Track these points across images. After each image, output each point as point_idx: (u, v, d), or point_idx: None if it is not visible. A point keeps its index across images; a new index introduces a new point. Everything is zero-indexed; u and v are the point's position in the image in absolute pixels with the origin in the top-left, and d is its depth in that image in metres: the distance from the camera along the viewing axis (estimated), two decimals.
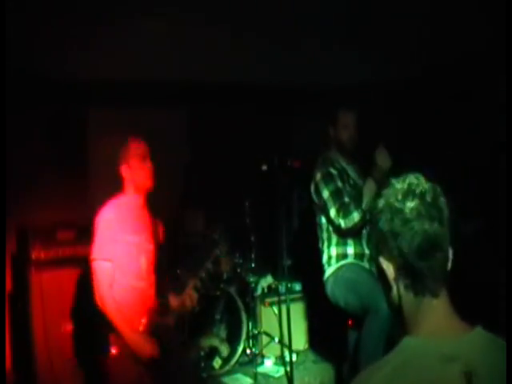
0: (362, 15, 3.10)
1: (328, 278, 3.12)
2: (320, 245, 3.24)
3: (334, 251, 3.13)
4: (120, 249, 2.53)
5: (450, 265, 1.14)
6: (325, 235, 3.19)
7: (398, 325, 2.75)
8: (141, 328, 2.55)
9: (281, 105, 5.07)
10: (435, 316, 1.10)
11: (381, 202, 1.15)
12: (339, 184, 3.06)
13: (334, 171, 3.11)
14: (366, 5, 2.93)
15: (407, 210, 1.10)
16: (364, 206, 2.92)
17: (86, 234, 3.64)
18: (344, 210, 2.96)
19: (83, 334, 3.40)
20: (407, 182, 1.14)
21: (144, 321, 2.58)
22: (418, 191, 1.11)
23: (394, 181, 1.17)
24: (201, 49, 3.74)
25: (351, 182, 3.17)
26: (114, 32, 3.27)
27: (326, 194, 3.06)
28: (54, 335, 3.38)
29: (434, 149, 4.00)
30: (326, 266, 3.17)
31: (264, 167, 3.89)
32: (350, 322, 3.19)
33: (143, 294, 2.61)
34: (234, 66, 4.17)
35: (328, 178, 3.08)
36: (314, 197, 3.18)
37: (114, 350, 2.45)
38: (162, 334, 2.58)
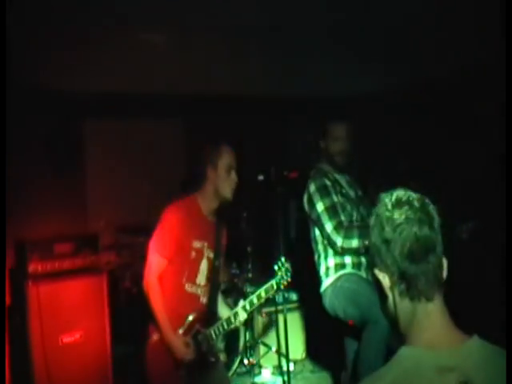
0: (358, 25, 3.14)
1: (326, 288, 3.09)
2: (316, 257, 3.20)
3: (331, 262, 3.09)
4: (181, 251, 2.54)
5: (445, 273, 1.16)
6: (320, 247, 3.15)
7: (396, 335, 2.77)
8: (180, 331, 2.53)
9: (278, 115, 5.12)
10: (431, 325, 1.12)
11: (372, 219, 1.20)
12: (335, 198, 3.04)
13: (328, 183, 3.10)
14: (363, 15, 2.97)
15: (396, 216, 1.14)
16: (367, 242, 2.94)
17: (83, 246, 3.68)
18: (345, 231, 2.94)
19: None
20: (395, 194, 1.19)
21: (187, 325, 2.56)
22: (404, 199, 1.16)
23: (383, 195, 1.21)
24: (197, 60, 3.78)
25: (343, 191, 3.18)
26: (111, 44, 3.30)
27: (320, 207, 3.03)
28: (52, 348, 3.37)
29: (428, 153, 4.05)
30: (323, 278, 3.12)
31: (261, 177, 3.92)
32: (350, 323, 3.18)
33: (194, 300, 2.61)
34: (231, 77, 4.21)
35: (323, 191, 3.05)
36: (307, 208, 3.14)
37: (154, 337, 2.51)
38: (202, 342, 2.59)
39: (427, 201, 1.17)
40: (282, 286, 2.69)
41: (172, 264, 2.53)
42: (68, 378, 3.40)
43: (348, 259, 3.08)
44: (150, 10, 2.79)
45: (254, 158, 4.56)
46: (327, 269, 3.11)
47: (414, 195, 1.17)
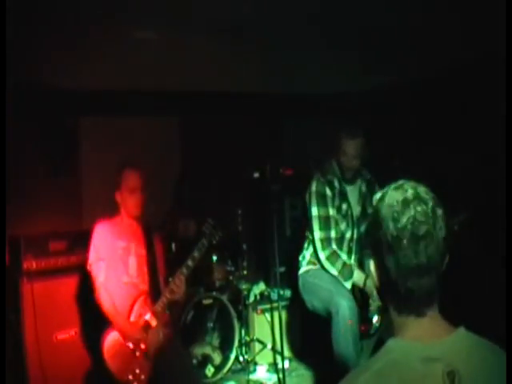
0: (354, 22, 3.15)
1: (299, 276, 3.35)
2: (306, 237, 3.38)
3: (308, 255, 3.31)
4: (110, 251, 2.89)
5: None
6: (307, 234, 3.32)
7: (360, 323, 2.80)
8: (132, 318, 2.86)
9: (273, 113, 5.12)
10: (421, 322, 1.12)
11: (379, 214, 1.12)
12: (330, 211, 3.12)
13: (329, 193, 3.14)
14: (361, 12, 2.97)
15: (401, 236, 1.07)
16: (348, 235, 3.17)
17: (78, 244, 3.68)
18: (331, 255, 3.11)
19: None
20: (401, 199, 1.10)
21: (136, 311, 2.88)
22: (412, 212, 1.07)
23: (387, 199, 1.12)
24: (191, 58, 3.78)
25: (344, 206, 3.19)
26: (107, 42, 3.30)
27: (314, 212, 3.14)
28: (47, 345, 3.38)
29: (424, 145, 4.07)
30: (300, 261, 3.37)
31: (256, 175, 3.92)
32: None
33: (134, 288, 2.92)
34: (226, 75, 4.21)
35: (321, 200, 3.13)
36: (306, 201, 3.27)
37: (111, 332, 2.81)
38: (155, 319, 2.86)
39: (439, 210, 1.09)
40: (214, 242, 2.95)
41: (108, 264, 2.87)
42: (62, 375, 3.39)
43: (321, 255, 3.18)
44: (146, 7, 2.79)
45: (249, 156, 4.56)
46: (303, 258, 3.34)
47: (418, 207, 1.07)
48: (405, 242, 1.07)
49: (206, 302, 3.92)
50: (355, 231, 3.23)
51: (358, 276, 3.05)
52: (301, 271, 3.32)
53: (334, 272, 3.10)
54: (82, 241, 3.70)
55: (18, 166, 3.89)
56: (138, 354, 2.79)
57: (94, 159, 4.52)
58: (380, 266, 1.13)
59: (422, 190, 1.12)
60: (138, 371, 2.74)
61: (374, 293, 2.90)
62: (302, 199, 3.40)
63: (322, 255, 3.11)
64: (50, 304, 3.44)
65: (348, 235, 3.20)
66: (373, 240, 1.14)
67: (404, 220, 1.07)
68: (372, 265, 1.19)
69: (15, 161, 3.86)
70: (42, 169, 4.15)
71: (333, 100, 4.88)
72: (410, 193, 1.10)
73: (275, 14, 3.00)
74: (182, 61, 3.79)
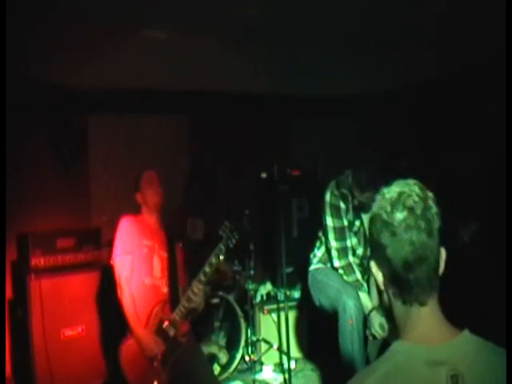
0: (363, 24, 3.14)
1: (308, 273, 3.33)
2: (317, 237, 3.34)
3: (319, 253, 3.29)
4: (138, 247, 2.82)
5: (442, 267, 1.15)
6: (320, 234, 3.29)
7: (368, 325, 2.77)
8: (151, 321, 2.77)
9: (281, 113, 5.11)
10: (424, 323, 1.12)
11: (373, 211, 1.18)
12: (345, 222, 3.08)
13: (343, 206, 3.07)
14: (370, 14, 2.96)
15: (396, 223, 1.10)
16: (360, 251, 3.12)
17: (85, 241, 3.70)
18: (347, 267, 3.07)
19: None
20: (397, 191, 1.14)
21: (154, 316, 2.78)
22: (408, 203, 1.11)
23: (384, 190, 1.18)
24: (200, 58, 3.78)
25: (357, 223, 3.12)
26: (116, 40, 3.31)
27: (330, 222, 3.09)
28: (54, 342, 3.40)
29: (432, 152, 4.04)
30: (311, 259, 3.34)
31: (263, 175, 3.92)
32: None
33: (155, 291, 2.85)
34: (235, 74, 4.21)
35: (335, 212, 3.07)
36: (321, 207, 3.17)
37: (129, 341, 2.71)
38: (173, 328, 2.79)
39: (430, 202, 1.12)
40: (231, 246, 2.84)
41: (134, 260, 2.79)
42: (69, 372, 3.42)
43: (336, 263, 3.13)
44: (154, 6, 2.80)
45: (256, 156, 4.56)
46: (314, 255, 3.32)
47: (416, 196, 1.11)
48: (399, 233, 1.10)
49: (213, 301, 3.92)
50: (367, 250, 3.16)
51: (365, 301, 3.01)
52: (311, 268, 3.31)
53: (349, 280, 3.08)
54: (90, 238, 3.75)
55: (29, 163, 3.92)
56: (155, 364, 2.70)
57: (103, 158, 4.55)
58: (381, 262, 1.15)
59: (417, 185, 1.15)
60: (155, 383, 2.65)
61: (376, 325, 2.88)
62: (309, 200, 3.38)
63: (338, 264, 3.09)
64: (58, 301, 3.46)
65: (359, 252, 3.15)
66: (371, 239, 1.17)
67: (397, 213, 1.11)
68: (373, 266, 1.19)
69: (26, 158, 3.89)
70: (51, 166, 4.17)
71: (342, 101, 4.87)
72: (401, 189, 1.14)
73: (288, 14, 3.00)
74: (192, 60, 3.80)
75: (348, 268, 3.06)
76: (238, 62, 3.93)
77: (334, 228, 3.07)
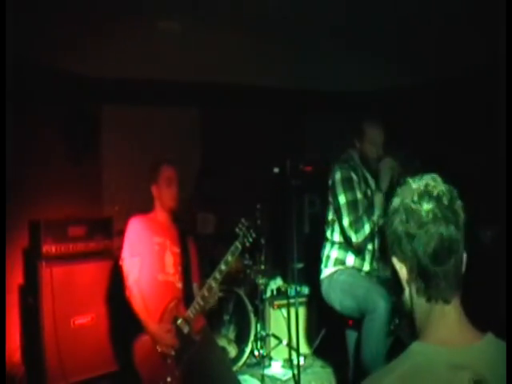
0: (373, 20, 3.10)
1: (323, 279, 3.09)
2: (324, 239, 3.18)
3: (334, 254, 3.09)
4: (146, 246, 2.81)
5: (463, 269, 1.11)
6: (329, 233, 3.14)
7: (399, 325, 2.71)
8: (166, 316, 2.75)
9: (295, 108, 5.07)
10: (446, 323, 1.08)
11: (396, 202, 1.13)
12: (358, 195, 2.97)
13: (355, 177, 3.00)
14: (379, 11, 2.92)
15: (423, 213, 1.07)
16: (375, 218, 2.92)
17: (96, 230, 3.70)
18: (357, 225, 2.92)
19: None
20: (424, 182, 1.11)
21: (169, 311, 2.77)
22: (434, 193, 1.08)
23: (410, 180, 1.14)
24: (215, 50, 3.75)
25: (369, 192, 3.09)
26: (129, 31, 3.30)
27: (342, 200, 2.97)
28: (64, 329, 3.40)
29: (450, 154, 3.97)
30: (322, 264, 3.12)
31: (276, 170, 3.88)
32: (350, 323, 3.16)
33: (169, 287, 2.84)
34: (248, 67, 4.18)
35: (348, 184, 2.98)
36: (330, 193, 3.08)
37: (143, 337, 2.68)
38: (187, 325, 2.77)
39: (455, 195, 1.10)
40: (248, 244, 2.80)
41: (143, 260, 2.78)
42: (79, 360, 3.43)
43: (351, 259, 3.04)
44: None
45: (269, 151, 4.53)
46: (328, 258, 3.10)
47: (443, 188, 1.09)
48: (427, 223, 1.06)
49: (223, 294, 3.91)
50: (380, 219, 3.09)
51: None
52: (327, 273, 3.08)
53: (368, 229, 2.93)
54: (101, 227, 3.74)
55: (42, 152, 3.93)
56: (169, 361, 2.68)
57: (116, 147, 4.54)
58: (405, 256, 1.10)
59: (440, 178, 1.12)
60: (169, 379, 2.63)
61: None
62: (320, 196, 3.29)
63: (353, 236, 2.93)
64: (69, 289, 3.46)
65: (374, 218, 3.05)
66: (393, 231, 1.12)
67: (424, 203, 1.07)
68: (396, 262, 1.14)
69: (39, 147, 3.90)
70: (64, 155, 4.18)
71: (355, 98, 4.81)
72: (427, 180, 1.11)
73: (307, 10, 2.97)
74: (206, 53, 3.78)
75: (357, 221, 2.93)
76: (252, 56, 3.90)
77: (348, 203, 2.94)
